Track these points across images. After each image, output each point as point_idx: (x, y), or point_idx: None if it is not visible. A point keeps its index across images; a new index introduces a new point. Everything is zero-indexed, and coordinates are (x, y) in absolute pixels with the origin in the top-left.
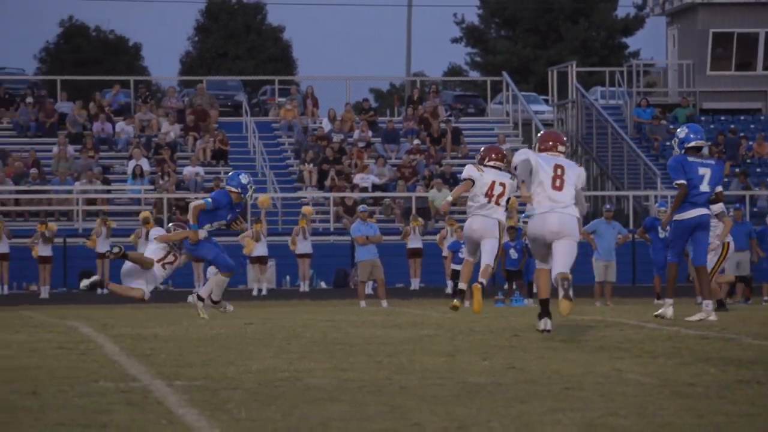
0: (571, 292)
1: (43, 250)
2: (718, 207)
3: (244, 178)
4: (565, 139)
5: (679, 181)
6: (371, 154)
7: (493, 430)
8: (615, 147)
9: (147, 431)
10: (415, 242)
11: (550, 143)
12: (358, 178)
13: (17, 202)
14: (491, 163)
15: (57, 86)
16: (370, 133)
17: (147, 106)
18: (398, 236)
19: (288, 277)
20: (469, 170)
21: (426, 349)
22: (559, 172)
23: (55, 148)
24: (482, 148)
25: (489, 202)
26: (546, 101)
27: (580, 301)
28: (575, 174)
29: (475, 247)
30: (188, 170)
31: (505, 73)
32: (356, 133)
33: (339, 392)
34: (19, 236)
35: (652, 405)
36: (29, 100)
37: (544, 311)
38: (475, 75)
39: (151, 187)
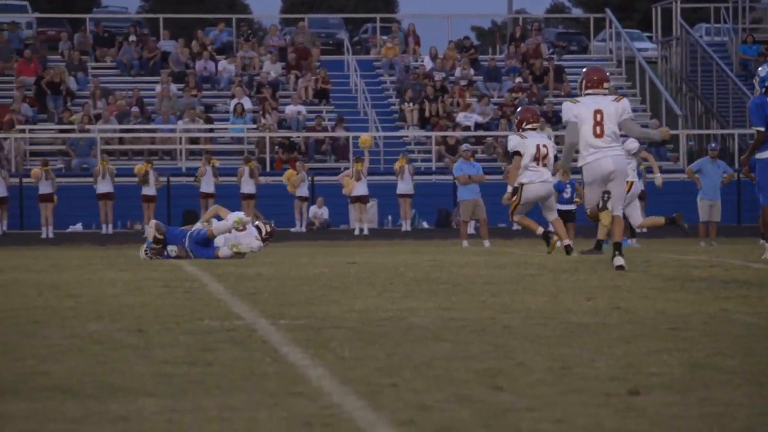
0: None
1: (147, 190)
2: None
3: None
4: (609, 75)
5: (757, 128)
6: (473, 93)
7: (597, 370)
8: (720, 85)
9: (251, 369)
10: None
11: (596, 79)
12: (460, 117)
13: (121, 141)
14: (529, 126)
15: (159, 24)
16: (471, 71)
17: (249, 45)
18: (500, 176)
19: (390, 217)
20: (514, 141)
21: (529, 288)
22: (598, 118)
23: (158, 87)
24: (518, 111)
25: (538, 164)
26: (649, 38)
27: (686, 242)
28: (615, 112)
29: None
30: (290, 109)
31: (608, 10)
32: (458, 71)
33: (442, 331)
34: (123, 175)
35: (759, 345)
36: (132, 38)
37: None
38: (577, 12)
39: (253, 125)
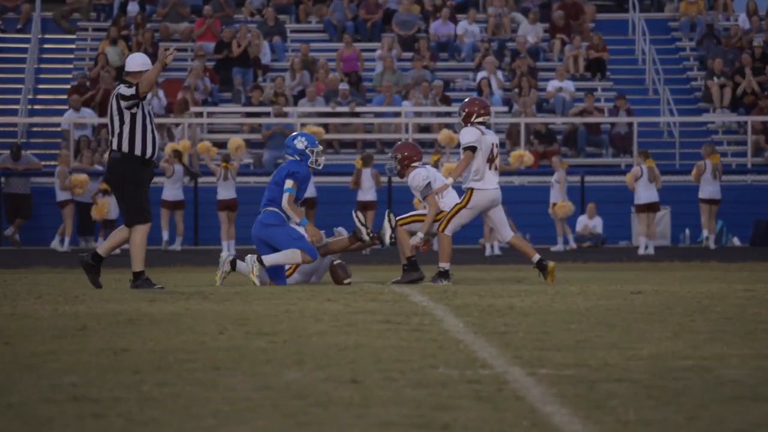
0: None
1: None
2: None
3: (300, 143)
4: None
5: None
6: None
7: None
8: None
9: None
10: None
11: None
12: None
13: (326, 128)
14: (479, 120)
15: None
16: None
17: (501, 0)
18: None
19: (687, 231)
20: (474, 135)
21: None
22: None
23: (379, 55)
24: (465, 101)
25: (490, 167)
26: None
27: None
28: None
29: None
30: (553, 85)
31: None
32: None
33: (763, 387)
34: (331, 174)
35: None
36: None
37: None
38: None
39: (504, 108)
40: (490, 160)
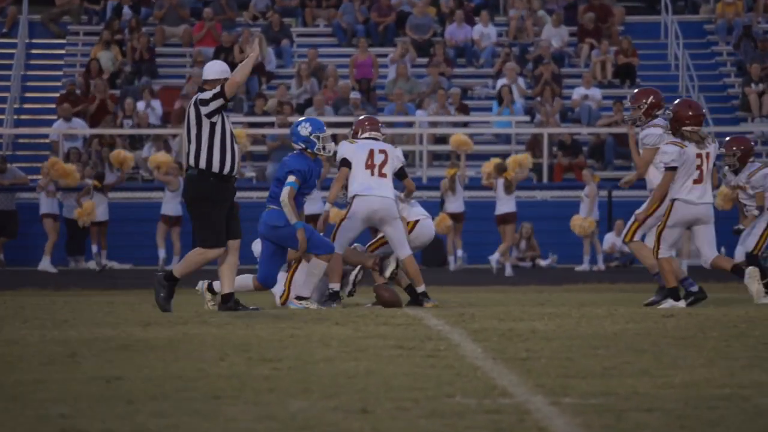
0: None
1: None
2: None
3: (304, 129)
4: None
5: None
6: None
7: None
8: None
9: None
10: None
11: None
12: None
13: (335, 139)
14: (365, 135)
15: None
16: None
17: (523, 1)
18: None
19: (723, 249)
20: (343, 149)
21: None
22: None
23: (391, 60)
24: (357, 121)
25: (372, 174)
26: None
27: None
28: None
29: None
30: (578, 93)
31: None
32: None
33: None
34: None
35: None
36: None
37: None
38: None
39: (526, 118)
40: (371, 167)
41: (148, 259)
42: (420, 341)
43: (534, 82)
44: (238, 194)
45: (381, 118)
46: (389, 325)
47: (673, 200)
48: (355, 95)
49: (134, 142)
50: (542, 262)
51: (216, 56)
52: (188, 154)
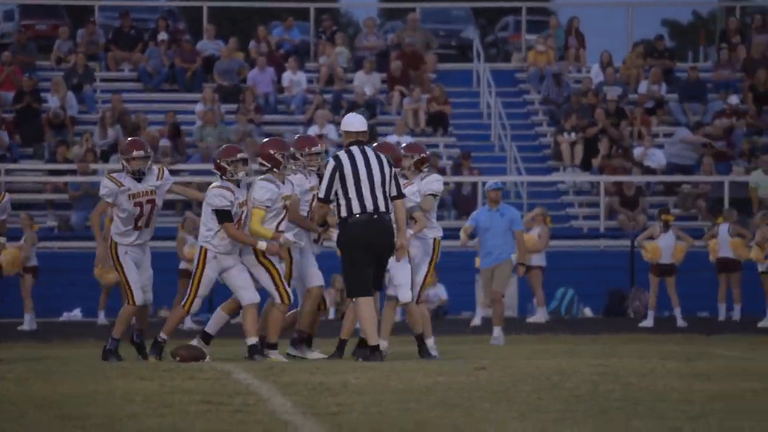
0: None
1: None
2: None
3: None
4: None
5: None
6: (663, 119)
7: None
8: None
9: None
10: (726, 250)
11: None
12: (640, 154)
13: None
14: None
15: (202, 16)
16: (663, 87)
17: (333, 48)
18: (702, 241)
19: (535, 300)
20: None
21: (749, 411)
22: None
23: (199, 108)
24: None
25: None
26: None
27: None
28: None
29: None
30: (392, 140)
31: None
32: (642, 87)
33: None
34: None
35: None
36: (161, 37)
37: None
38: None
39: None
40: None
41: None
42: (228, 396)
43: None
44: (42, 244)
45: (187, 166)
46: (196, 379)
47: None
48: (164, 142)
49: None
50: None
51: (17, 101)
52: None
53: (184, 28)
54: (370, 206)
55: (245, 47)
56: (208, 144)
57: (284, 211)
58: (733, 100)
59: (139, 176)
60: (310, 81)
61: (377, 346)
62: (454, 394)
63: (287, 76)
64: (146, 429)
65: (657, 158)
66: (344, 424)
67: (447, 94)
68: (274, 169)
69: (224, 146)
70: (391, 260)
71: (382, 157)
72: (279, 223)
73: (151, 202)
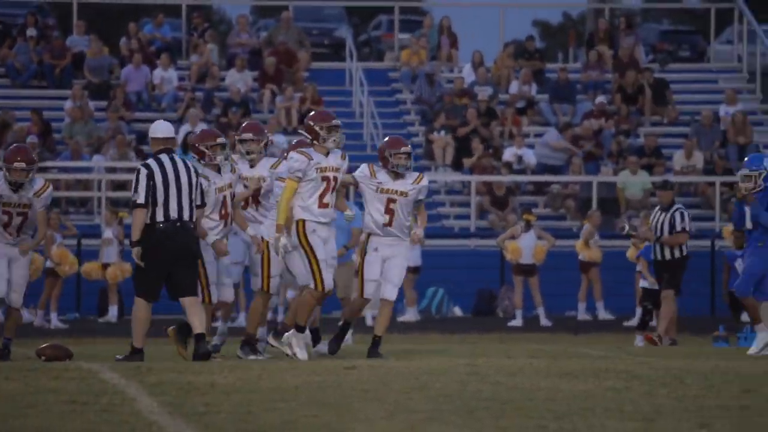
0: None
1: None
2: None
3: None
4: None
5: None
6: (534, 119)
7: None
8: None
9: None
10: (593, 250)
11: None
12: (510, 154)
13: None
14: None
15: (72, 12)
16: (533, 88)
17: (206, 45)
18: (571, 241)
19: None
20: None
21: (613, 409)
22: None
23: (68, 104)
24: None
25: None
26: None
27: None
28: None
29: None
30: (278, 139)
31: None
32: (513, 87)
33: None
34: None
35: None
36: (31, 33)
37: None
38: (693, 1)
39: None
40: None
41: None
42: (94, 395)
43: (219, 128)
44: None
45: (57, 164)
46: (61, 379)
47: None
48: (32, 139)
49: None
50: None
51: None
52: None
53: (53, 24)
54: (174, 214)
55: (116, 43)
56: (77, 141)
57: (324, 183)
58: (600, 99)
59: (15, 187)
60: (181, 78)
61: (142, 350)
62: (323, 393)
63: (158, 73)
64: (10, 430)
65: (527, 158)
66: (211, 424)
67: (320, 93)
68: (314, 142)
69: (201, 130)
70: (392, 260)
71: (189, 164)
72: (322, 195)
73: (23, 214)
